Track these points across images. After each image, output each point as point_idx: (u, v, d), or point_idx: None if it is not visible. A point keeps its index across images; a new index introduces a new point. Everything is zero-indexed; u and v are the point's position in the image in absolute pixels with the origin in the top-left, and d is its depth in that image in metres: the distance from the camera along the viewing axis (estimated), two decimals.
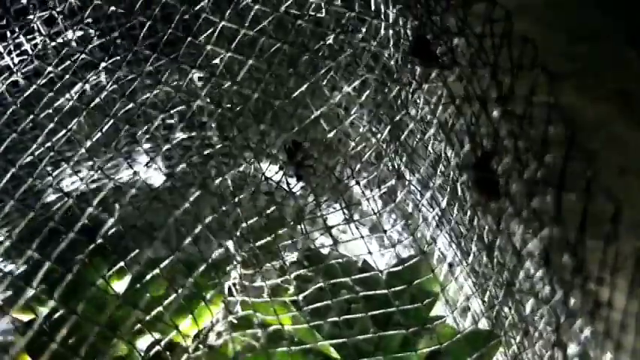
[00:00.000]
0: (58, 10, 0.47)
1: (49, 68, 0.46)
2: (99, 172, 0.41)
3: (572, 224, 0.33)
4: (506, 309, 0.43)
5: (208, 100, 0.44)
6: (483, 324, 0.46)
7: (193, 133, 0.44)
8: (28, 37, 0.48)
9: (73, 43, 0.48)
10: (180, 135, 0.41)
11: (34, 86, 0.45)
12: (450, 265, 0.43)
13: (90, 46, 0.46)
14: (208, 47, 0.41)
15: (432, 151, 0.42)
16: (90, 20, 0.49)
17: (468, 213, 0.40)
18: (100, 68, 0.43)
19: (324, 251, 0.49)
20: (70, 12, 0.49)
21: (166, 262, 0.39)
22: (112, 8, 0.45)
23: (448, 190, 0.41)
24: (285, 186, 0.46)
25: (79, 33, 0.47)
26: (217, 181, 0.43)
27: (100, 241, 0.40)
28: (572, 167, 0.32)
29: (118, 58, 0.44)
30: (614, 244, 0.31)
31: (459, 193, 0.40)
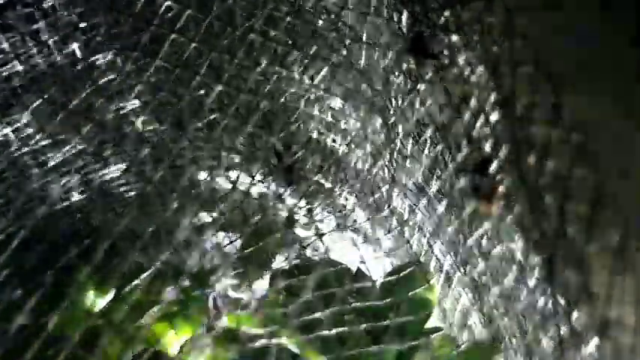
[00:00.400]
0: (38, 7, 0.45)
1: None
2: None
3: (577, 234, 0.31)
4: (506, 320, 0.41)
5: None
6: (482, 334, 0.44)
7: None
8: (7, 35, 0.46)
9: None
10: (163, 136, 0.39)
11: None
12: (448, 276, 0.41)
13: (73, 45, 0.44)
14: (193, 45, 0.39)
15: (428, 154, 0.40)
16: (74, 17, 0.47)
17: (466, 220, 0.38)
18: (81, 68, 0.41)
19: (316, 256, 0.47)
20: (52, 9, 0.47)
21: (145, 274, 0.37)
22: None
23: (445, 195, 0.39)
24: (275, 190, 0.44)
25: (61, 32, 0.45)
26: (203, 187, 0.41)
27: (76, 251, 0.38)
28: (577, 174, 0.30)
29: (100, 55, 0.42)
30: (622, 256, 0.29)
31: (457, 199, 0.38)
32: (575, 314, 0.33)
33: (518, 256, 0.35)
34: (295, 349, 0.41)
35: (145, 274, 0.39)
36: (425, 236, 0.43)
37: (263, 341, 0.40)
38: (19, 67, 0.45)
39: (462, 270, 0.41)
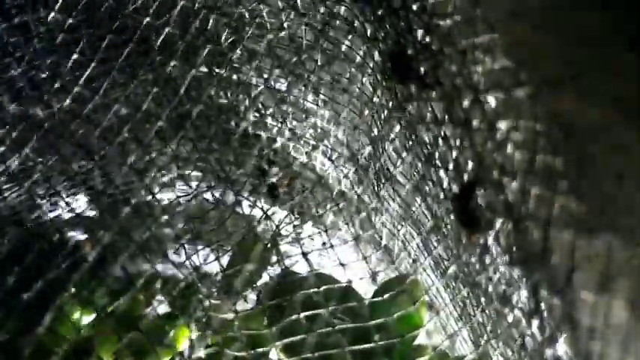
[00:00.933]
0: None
1: None
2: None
3: (561, 261, 0.30)
4: (494, 342, 0.40)
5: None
6: (470, 354, 0.43)
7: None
8: None
9: None
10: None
11: None
12: (434, 295, 0.41)
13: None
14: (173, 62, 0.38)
15: (415, 173, 0.39)
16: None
17: (451, 245, 0.37)
18: (61, 84, 0.40)
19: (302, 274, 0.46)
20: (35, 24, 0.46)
21: (128, 294, 0.37)
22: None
23: (431, 215, 0.39)
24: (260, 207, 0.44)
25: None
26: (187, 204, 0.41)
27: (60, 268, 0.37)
28: (561, 200, 0.29)
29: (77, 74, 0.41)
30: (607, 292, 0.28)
31: (442, 221, 0.37)
32: (560, 341, 0.32)
33: (505, 280, 0.35)
34: None
35: (127, 294, 0.39)
36: (412, 255, 0.42)
37: None
38: None
39: (449, 290, 0.41)
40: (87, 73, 0.40)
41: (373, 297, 0.44)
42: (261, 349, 0.40)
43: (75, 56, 0.40)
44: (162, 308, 0.43)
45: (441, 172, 0.36)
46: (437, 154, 0.35)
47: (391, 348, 0.42)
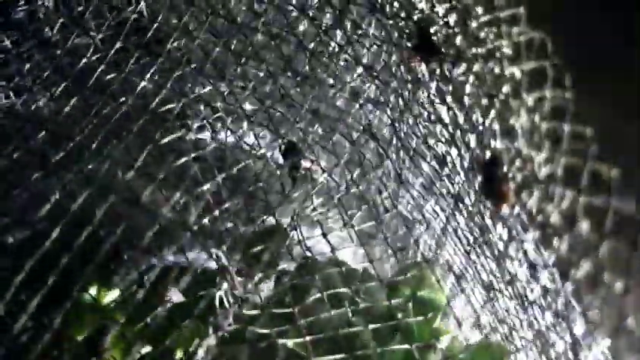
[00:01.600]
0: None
1: None
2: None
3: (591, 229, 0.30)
4: (518, 321, 0.40)
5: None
6: (493, 334, 0.43)
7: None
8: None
9: None
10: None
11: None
12: (458, 278, 0.41)
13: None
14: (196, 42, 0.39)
15: (436, 152, 0.40)
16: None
17: (477, 219, 0.37)
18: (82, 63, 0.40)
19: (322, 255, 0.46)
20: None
21: (150, 274, 0.37)
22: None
23: (453, 194, 0.39)
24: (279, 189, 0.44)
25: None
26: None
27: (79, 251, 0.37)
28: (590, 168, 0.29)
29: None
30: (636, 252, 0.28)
31: (466, 197, 0.37)
32: (587, 314, 0.33)
33: (531, 255, 0.35)
34: (302, 350, 0.41)
35: (150, 274, 0.39)
36: (433, 236, 0.42)
37: (270, 341, 0.40)
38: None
39: (472, 269, 0.41)
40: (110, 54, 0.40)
41: (393, 279, 0.45)
42: (283, 327, 0.40)
43: (100, 36, 0.40)
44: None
45: (463, 149, 0.36)
46: (459, 130, 0.35)
47: (410, 329, 0.42)
